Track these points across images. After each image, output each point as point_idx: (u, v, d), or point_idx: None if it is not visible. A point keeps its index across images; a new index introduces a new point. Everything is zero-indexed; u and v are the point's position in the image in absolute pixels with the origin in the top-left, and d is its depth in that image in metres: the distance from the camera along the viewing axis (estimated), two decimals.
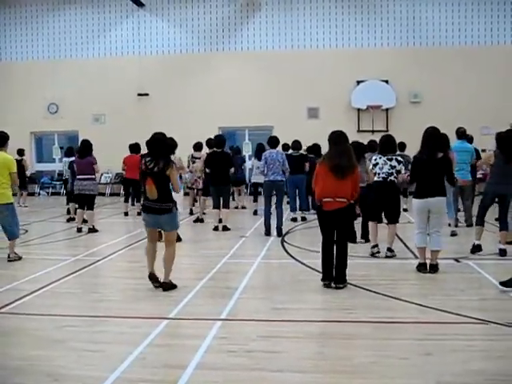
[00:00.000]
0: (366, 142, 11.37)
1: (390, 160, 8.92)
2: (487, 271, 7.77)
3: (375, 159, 8.99)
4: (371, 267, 8.35)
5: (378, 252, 9.00)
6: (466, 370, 4.46)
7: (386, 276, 7.76)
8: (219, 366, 4.58)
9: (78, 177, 12.38)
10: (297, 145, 13.80)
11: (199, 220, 13.51)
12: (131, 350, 4.89)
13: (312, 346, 5.17)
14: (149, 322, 5.77)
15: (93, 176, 12.36)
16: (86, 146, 12.70)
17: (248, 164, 19.81)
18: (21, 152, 17.91)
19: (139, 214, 13.91)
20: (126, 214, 15.14)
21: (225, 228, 12.05)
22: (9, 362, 4.73)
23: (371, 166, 8.97)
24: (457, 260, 8.59)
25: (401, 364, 4.60)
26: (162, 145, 7.04)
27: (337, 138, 7.33)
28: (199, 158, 13.83)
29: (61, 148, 21.41)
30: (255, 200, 15.30)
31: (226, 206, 12.28)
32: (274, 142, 11.88)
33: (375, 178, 8.94)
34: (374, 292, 6.81)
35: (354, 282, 7.24)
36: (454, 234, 10.71)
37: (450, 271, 7.93)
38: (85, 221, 12.54)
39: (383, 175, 8.86)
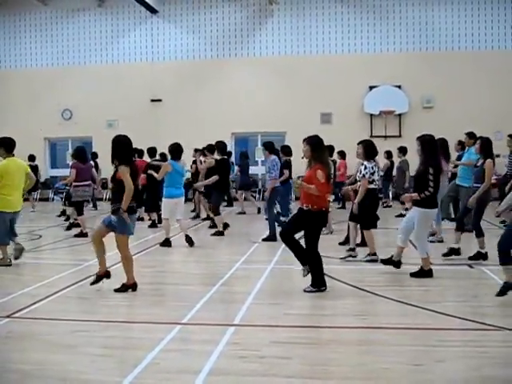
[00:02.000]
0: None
1: (376, 166, 9.24)
2: (501, 277, 7.70)
3: (372, 167, 9.09)
4: (382, 273, 8.31)
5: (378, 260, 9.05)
6: (478, 376, 4.45)
7: (398, 282, 7.74)
8: (232, 372, 4.59)
9: (82, 183, 12.27)
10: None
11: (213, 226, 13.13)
12: (144, 354, 4.92)
13: (324, 352, 5.17)
14: (162, 327, 5.80)
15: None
16: (85, 152, 12.72)
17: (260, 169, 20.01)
18: (32, 158, 18.10)
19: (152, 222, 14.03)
20: (141, 219, 14.60)
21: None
22: (21, 366, 4.78)
23: (368, 175, 9.00)
24: (470, 266, 8.56)
25: (413, 370, 4.59)
26: (115, 146, 7.18)
27: (322, 143, 7.33)
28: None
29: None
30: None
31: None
32: (273, 147, 11.97)
33: (371, 186, 9.06)
34: (387, 298, 6.80)
35: (366, 287, 7.23)
36: (440, 241, 10.75)
37: (463, 277, 7.91)
38: (78, 225, 12.63)
39: (377, 182, 9.17)
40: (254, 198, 19.24)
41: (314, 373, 4.60)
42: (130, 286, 7.28)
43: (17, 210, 9.03)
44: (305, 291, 7.13)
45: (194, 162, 16.37)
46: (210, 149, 13.99)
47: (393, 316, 6.17)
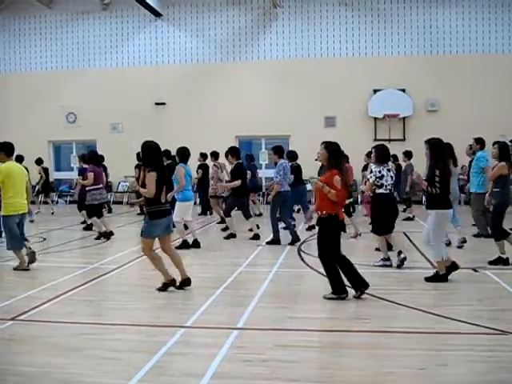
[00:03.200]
0: None
1: (389, 171, 8.96)
2: (505, 281, 7.70)
3: (379, 171, 8.84)
4: (387, 277, 8.30)
5: (391, 265, 8.93)
6: (482, 380, 4.43)
7: (403, 286, 7.72)
8: (235, 375, 4.58)
9: (97, 186, 12.31)
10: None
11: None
12: (148, 358, 4.91)
13: (328, 355, 5.15)
14: (166, 330, 5.80)
15: None
16: (98, 155, 12.67)
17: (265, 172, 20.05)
18: (40, 161, 18.16)
19: None
20: None
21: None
22: (25, 369, 4.77)
23: (374, 178, 8.84)
24: (475, 270, 8.53)
25: (417, 374, 4.58)
26: (143, 152, 7.27)
27: (340, 151, 7.22)
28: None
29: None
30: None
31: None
32: (282, 151, 11.97)
33: (381, 190, 8.80)
34: (391, 302, 6.78)
35: (371, 291, 7.19)
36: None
37: (467, 281, 7.87)
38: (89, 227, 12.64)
39: (389, 187, 8.87)
40: (259, 201, 19.23)
41: (318, 376, 4.59)
42: (170, 284, 7.43)
43: (24, 211, 9.03)
44: (324, 298, 6.95)
45: (200, 166, 16.26)
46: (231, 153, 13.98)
47: (398, 320, 6.16)
